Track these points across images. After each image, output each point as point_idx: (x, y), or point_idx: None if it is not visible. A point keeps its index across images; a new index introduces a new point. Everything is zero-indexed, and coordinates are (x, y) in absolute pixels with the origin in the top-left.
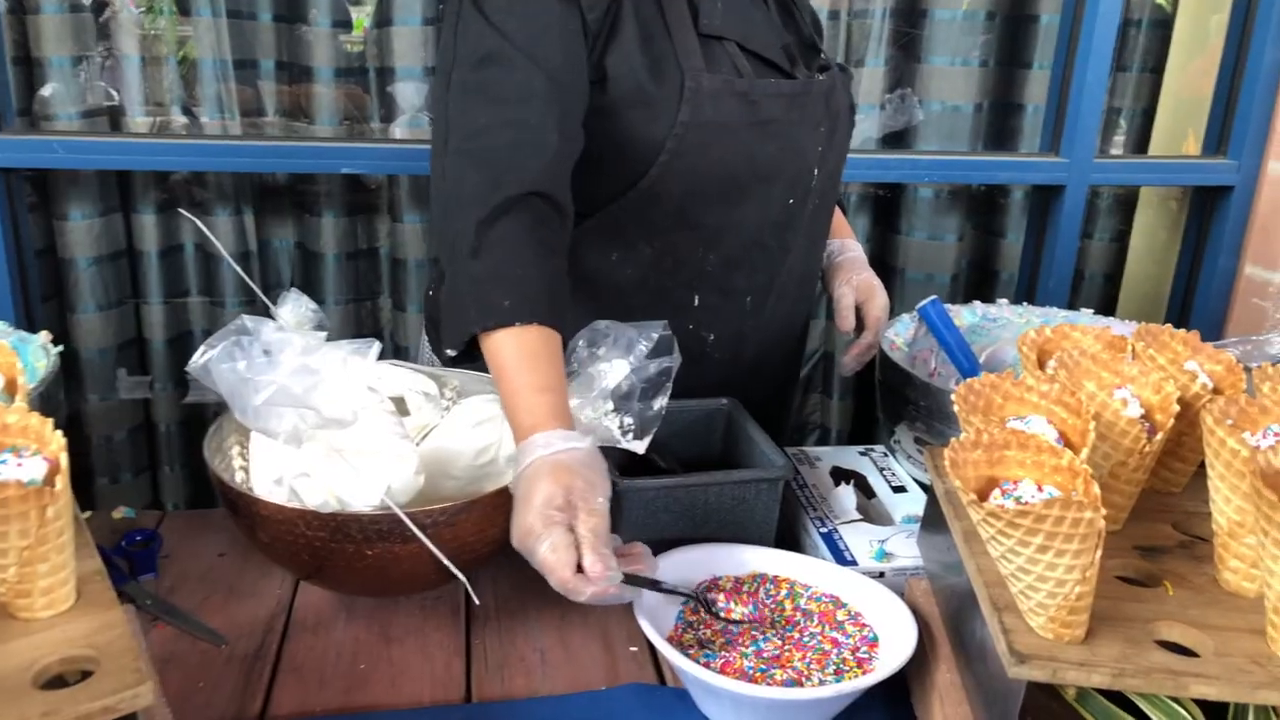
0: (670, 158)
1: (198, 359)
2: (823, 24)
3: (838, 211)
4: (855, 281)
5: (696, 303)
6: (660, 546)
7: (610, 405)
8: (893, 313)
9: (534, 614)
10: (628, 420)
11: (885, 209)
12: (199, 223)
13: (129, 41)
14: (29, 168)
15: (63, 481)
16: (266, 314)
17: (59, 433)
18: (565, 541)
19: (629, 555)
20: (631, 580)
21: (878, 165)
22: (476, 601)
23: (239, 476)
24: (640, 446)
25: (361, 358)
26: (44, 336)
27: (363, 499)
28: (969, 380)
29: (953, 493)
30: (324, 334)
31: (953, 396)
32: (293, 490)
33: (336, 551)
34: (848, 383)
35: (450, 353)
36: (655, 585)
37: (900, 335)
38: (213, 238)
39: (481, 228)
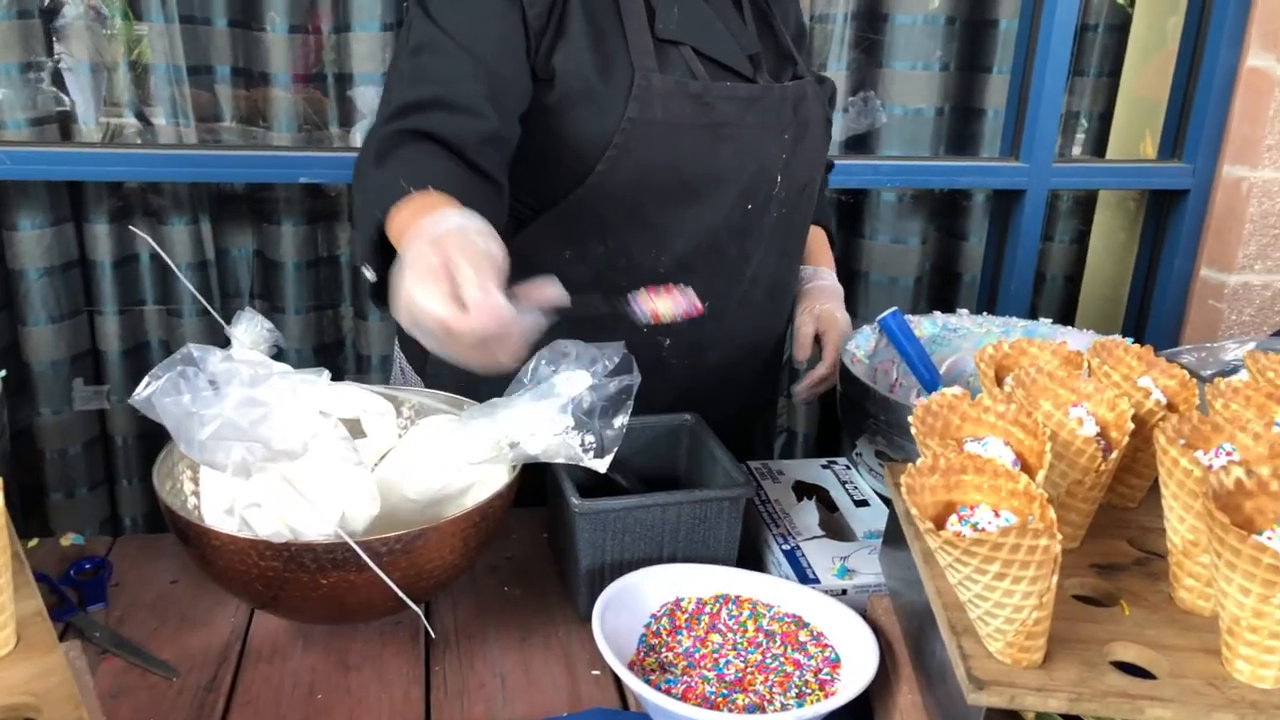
0: (618, 153)
1: (141, 391)
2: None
3: (819, 237)
4: (817, 311)
5: None
6: (623, 567)
7: (571, 421)
8: (857, 320)
9: (494, 638)
10: (589, 439)
11: (849, 213)
12: (151, 241)
13: (81, 47)
14: None
15: None
16: (221, 331)
17: None
18: (439, 283)
19: (526, 292)
20: (525, 308)
21: (841, 171)
22: (433, 635)
23: (191, 502)
24: (602, 465)
25: (311, 387)
26: None
27: (316, 528)
28: (926, 402)
29: None
30: (274, 361)
31: (910, 419)
32: (244, 520)
33: (291, 581)
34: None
35: (370, 275)
36: (570, 310)
37: (861, 347)
38: (166, 257)
39: (392, 139)
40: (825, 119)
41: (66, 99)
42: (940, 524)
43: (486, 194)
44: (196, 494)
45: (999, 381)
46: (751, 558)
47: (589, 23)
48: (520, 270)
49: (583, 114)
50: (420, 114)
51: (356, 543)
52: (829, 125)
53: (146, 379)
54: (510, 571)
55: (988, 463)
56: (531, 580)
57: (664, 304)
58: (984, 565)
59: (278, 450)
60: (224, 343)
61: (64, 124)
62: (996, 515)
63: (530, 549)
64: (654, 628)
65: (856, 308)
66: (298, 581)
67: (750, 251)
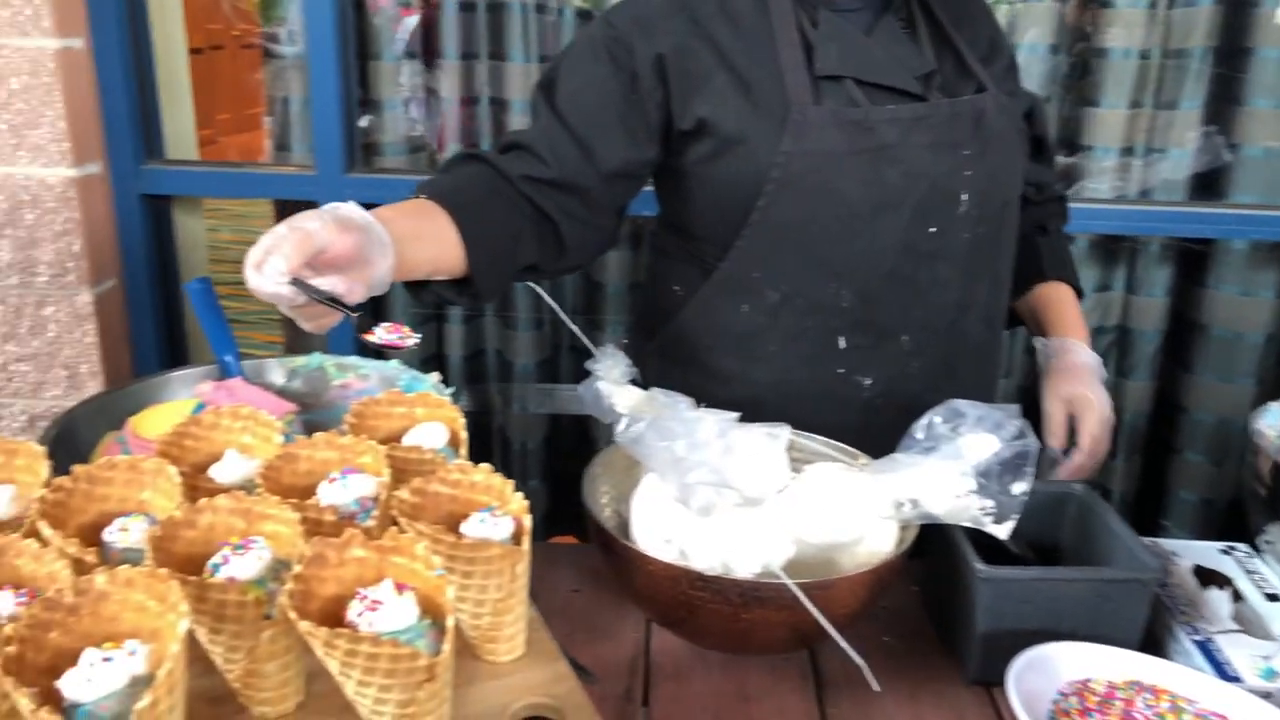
0: (776, 188)
1: (625, 429)
2: (1008, 45)
3: (1067, 298)
4: (1066, 394)
5: (843, 345)
6: (1018, 637)
7: (974, 484)
8: (1192, 375)
9: (883, 689)
10: (988, 503)
11: (1188, 258)
12: (541, 291)
13: (450, 83)
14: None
15: (527, 541)
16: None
17: (520, 494)
18: (260, 244)
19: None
20: (304, 286)
21: (1194, 219)
22: (877, 688)
23: (605, 513)
24: (1003, 531)
25: (773, 440)
26: (434, 377)
27: (746, 566)
28: None
29: None
30: (711, 409)
31: None
32: (682, 551)
33: (713, 612)
34: (1134, 440)
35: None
36: (335, 301)
37: (1274, 426)
38: (549, 299)
39: (456, 158)
40: (1018, 133)
41: (421, 127)
42: None
43: (510, 216)
44: (608, 509)
45: None
46: (1148, 645)
47: (732, 71)
48: (701, 330)
49: (739, 154)
50: (493, 150)
51: (796, 585)
52: (1024, 141)
53: (626, 419)
54: (887, 621)
55: None
56: (909, 632)
57: (384, 333)
58: None
59: (748, 497)
60: (552, 354)
61: (430, 154)
62: None
63: (901, 599)
64: (1062, 705)
65: (1193, 363)
66: (719, 613)
67: (945, 276)
